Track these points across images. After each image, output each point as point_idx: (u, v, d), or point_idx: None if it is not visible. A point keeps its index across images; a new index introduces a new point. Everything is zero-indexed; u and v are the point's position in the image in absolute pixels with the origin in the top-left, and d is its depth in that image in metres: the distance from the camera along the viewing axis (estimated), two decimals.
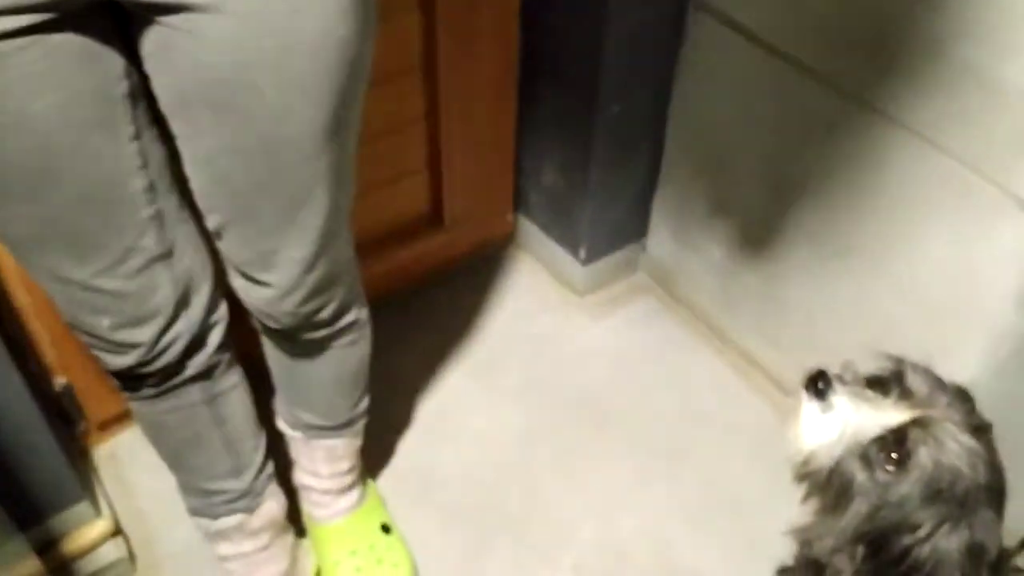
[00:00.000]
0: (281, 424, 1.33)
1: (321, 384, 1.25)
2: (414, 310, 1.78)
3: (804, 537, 1.00)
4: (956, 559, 0.86)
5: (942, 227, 1.24)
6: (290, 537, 1.35)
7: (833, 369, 0.98)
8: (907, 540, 0.87)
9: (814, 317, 1.52)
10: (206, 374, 1.10)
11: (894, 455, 0.88)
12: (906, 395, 0.92)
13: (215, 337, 1.08)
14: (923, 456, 0.87)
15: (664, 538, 1.49)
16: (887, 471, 0.89)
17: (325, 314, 1.11)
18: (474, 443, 1.60)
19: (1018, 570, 0.99)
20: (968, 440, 0.88)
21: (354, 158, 1.00)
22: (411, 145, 1.59)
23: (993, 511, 0.89)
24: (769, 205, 1.51)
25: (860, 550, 0.92)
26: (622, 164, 1.65)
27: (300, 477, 1.37)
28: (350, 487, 1.39)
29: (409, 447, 1.59)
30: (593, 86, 1.50)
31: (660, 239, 1.79)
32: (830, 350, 1.53)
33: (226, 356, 1.13)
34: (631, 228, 1.80)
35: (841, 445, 0.91)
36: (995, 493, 0.90)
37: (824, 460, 0.92)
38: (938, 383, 0.93)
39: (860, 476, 0.90)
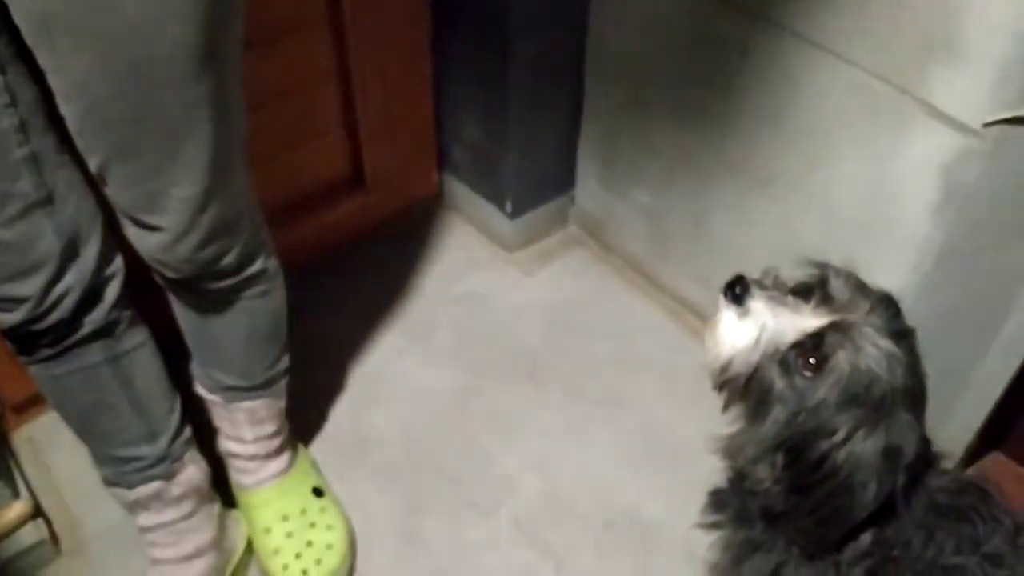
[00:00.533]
0: (199, 389, 1.29)
1: (234, 341, 1.21)
2: (343, 273, 1.74)
3: (726, 448, 0.98)
4: (872, 462, 0.85)
5: (857, 142, 1.22)
6: (216, 506, 1.31)
7: (753, 275, 0.96)
8: (824, 445, 0.86)
9: (743, 251, 1.51)
10: (106, 331, 1.05)
11: (812, 360, 0.87)
12: (827, 300, 0.90)
13: (112, 292, 1.04)
14: (840, 360, 0.85)
15: (605, 484, 1.46)
16: (805, 376, 0.87)
17: (228, 261, 1.06)
18: (409, 402, 1.57)
19: (945, 471, 0.98)
20: (887, 344, 0.86)
21: (240, 94, 0.96)
22: (324, 102, 1.54)
23: (911, 415, 0.87)
24: (690, 140, 1.49)
25: (779, 458, 0.90)
26: (542, 110, 1.62)
27: (224, 444, 1.33)
28: (277, 451, 1.35)
29: (343, 410, 1.55)
30: (505, 29, 1.47)
31: (588, 188, 1.77)
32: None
33: (127, 313, 1.08)
34: (558, 179, 1.77)
35: (758, 350, 0.89)
36: (914, 396, 0.88)
37: (741, 366, 0.90)
38: (861, 288, 0.92)
39: (779, 382, 0.89)
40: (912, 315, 1.29)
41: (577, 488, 1.46)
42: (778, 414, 0.89)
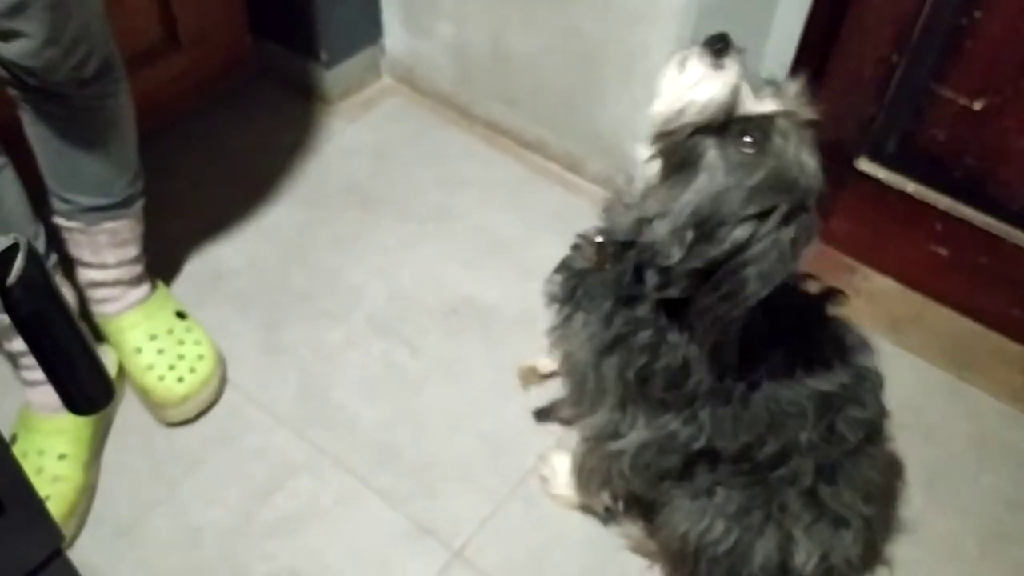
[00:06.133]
0: (58, 220, 1.35)
1: (96, 151, 1.28)
2: (171, 136, 1.80)
3: (640, 214, 0.96)
4: (776, 253, 0.87)
5: None
6: (85, 330, 1.38)
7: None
8: (736, 229, 0.87)
9: (538, 64, 1.69)
10: None
11: (754, 138, 0.87)
12: (780, 93, 0.90)
13: None
14: (783, 147, 0.87)
15: (444, 281, 1.63)
16: (742, 152, 0.88)
17: (91, 67, 1.16)
18: (254, 238, 1.68)
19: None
20: (815, 153, 0.88)
21: None
22: None
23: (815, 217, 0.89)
24: None
25: (689, 235, 0.90)
26: None
27: (86, 274, 1.40)
28: (139, 279, 1.43)
29: (192, 251, 1.65)
30: None
31: (395, 35, 1.90)
32: (550, 88, 1.70)
33: None
34: (367, 27, 1.90)
35: (710, 109, 0.88)
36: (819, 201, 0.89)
37: (692, 117, 0.88)
38: (811, 96, 0.91)
39: (712, 151, 0.89)
40: None
41: (419, 288, 1.62)
42: (702, 184, 0.89)
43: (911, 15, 1.40)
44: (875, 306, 1.62)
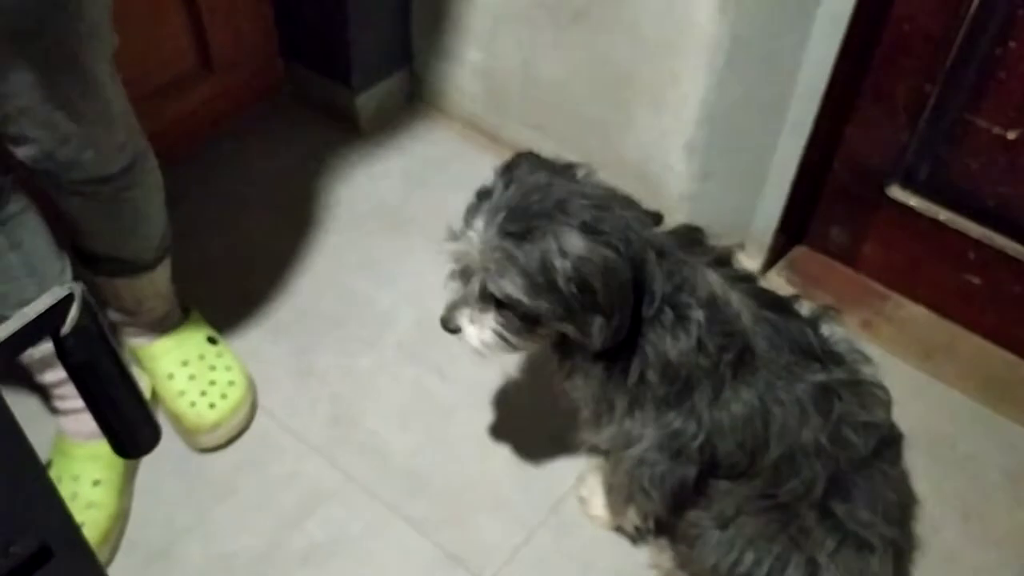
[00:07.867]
0: (81, 268, 1.33)
1: (121, 231, 1.28)
2: (203, 161, 1.82)
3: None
4: (582, 248, 1.01)
5: None
6: (136, 376, 1.39)
7: (450, 304, 1.16)
8: (553, 262, 1.03)
9: (568, 87, 1.69)
10: None
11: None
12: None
13: None
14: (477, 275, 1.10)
15: None
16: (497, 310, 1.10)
17: (115, 167, 1.15)
18: (285, 264, 1.68)
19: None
20: (491, 234, 1.11)
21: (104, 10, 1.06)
22: None
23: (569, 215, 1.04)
24: None
25: (557, 308, 1.05)
26: None
27: (113, 315, 1.41)
28: (167, 315, 1.44)
29: (224, 278, 1.65)
30: None
31: (425, 60, 1.91)
32: (578, 114, 1.71)
33: (7, 180, 1.14)
34: (396, 54, 1.91)
35: (492, 324, 1.11)
36: (559, 204, 1.07)
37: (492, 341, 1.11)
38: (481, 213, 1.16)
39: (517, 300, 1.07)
40: (715, 112, 1.52)
41: None
42: (528, 309, 1.07)
43: (945, 44, 1.40)
44: (907, 335, 1.61)
